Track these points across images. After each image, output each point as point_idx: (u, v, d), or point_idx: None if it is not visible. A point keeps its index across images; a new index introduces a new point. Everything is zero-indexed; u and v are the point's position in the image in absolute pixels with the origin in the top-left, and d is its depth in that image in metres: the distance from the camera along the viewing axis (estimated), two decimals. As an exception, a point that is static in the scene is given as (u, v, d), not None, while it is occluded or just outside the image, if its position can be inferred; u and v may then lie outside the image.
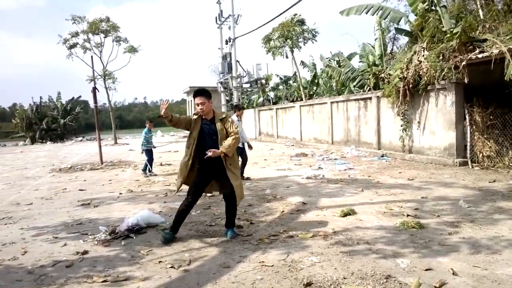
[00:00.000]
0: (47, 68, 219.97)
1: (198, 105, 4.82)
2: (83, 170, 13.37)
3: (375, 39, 16.86)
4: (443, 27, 10.92)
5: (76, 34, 29.74)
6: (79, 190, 9.28)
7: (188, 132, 4.94)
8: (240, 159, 9.89)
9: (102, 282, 3.69)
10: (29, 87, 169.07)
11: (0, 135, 59.07)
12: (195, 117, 4.88)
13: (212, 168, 4.82)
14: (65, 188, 9.61)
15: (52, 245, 4.96)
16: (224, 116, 4.99)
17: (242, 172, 9.70)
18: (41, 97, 49.28)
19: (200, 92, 4.85)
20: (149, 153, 11.38)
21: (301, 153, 15.11)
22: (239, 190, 4.83)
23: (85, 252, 4.61)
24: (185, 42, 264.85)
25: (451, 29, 10.45)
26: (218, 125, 4.84)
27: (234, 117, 10.43)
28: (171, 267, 4.01)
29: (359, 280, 3.46)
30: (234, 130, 4.85)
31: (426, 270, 3.63)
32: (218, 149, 4.69)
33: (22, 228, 5.88)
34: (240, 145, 9.97)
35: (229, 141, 4.73)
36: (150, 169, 11.26)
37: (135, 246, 4.79)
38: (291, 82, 28.75)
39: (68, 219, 6.40)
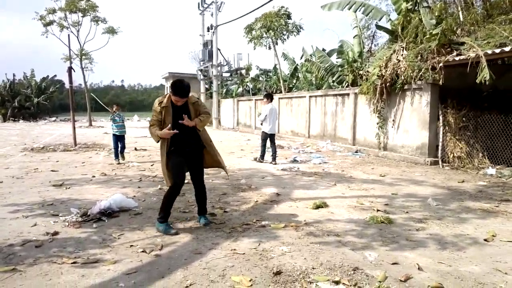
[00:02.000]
0: (20, 45, 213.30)
1: (177, 101, 4.63)
2: (56, 151, 13.10)
3: (354, 36, 17.04)
4: (423, 27, 11.12)
5: (53, 11, 28.90)
6: (51, 171, 9.10)
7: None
8: (270, 146, 10.69)
9: (72, 263, 3.67)
10: (1, 64, 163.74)
11: (-31, 111, 57.10)
12: (163, 105, 4.66)
13: (186, 150, 4.75)
14: (37, 168, 9.41)
15: (22, 224, 4.89)
16: (195, 100, 4.87)
17: (262, 156, 10.83)
18: (14, 74, 47.84)
19: (185, 92, 4.59)
20: (114, 138, 10.74)
21: (277, 145, 15.17)
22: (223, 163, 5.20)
23: (56, 233, 4.55)
24: (166, 27, 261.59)
25: (431, 30, 10.66)
26: (191, 108, 4.74)
27: (267, 105, 10.73)
28: (142, 251, 4.01)
29: (328, 271, 3.54)
30: (205, 110, 4.88)
31: (393, 264, 3.74)
32: (191, 132, 4.70)
33: (-10, 207, 5.75)
34: (272, 131, 10.63)
35: (203, 117, 4.78)
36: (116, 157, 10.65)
37: (106, 229, 4.76)
38: (271, 74, 28.77)
39: (39, 199, 6.29)
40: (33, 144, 15.35)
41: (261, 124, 10.83)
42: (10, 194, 6.65)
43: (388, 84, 11.59)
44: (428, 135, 10.55)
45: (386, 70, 11.51)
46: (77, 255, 3.90)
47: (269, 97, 11.08)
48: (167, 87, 39.74)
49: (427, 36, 10.67)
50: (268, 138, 10.69)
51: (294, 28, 22.03)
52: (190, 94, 4.75)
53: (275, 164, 10.32)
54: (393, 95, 11.80)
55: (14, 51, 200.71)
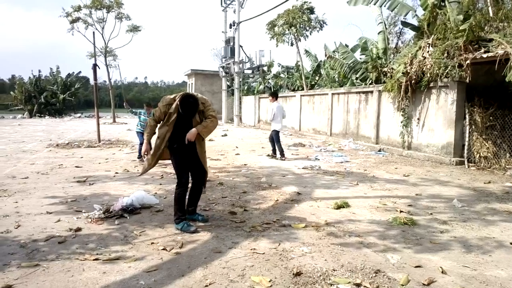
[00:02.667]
0: (46, 42, 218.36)
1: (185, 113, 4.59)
2: (80, 147, 13.34)
3: (378, 33, 16.70)
4: (450, 23, 10.84)
5: (78, 8, 29.43)
6: (76, 167, 9.27)
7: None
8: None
9: (94, 260, 3.71)
10: (28, 60, 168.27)
11: (-2, 107, 58.99)
12: (170, 111, 4.62)
13: (187, 150, 4.72)
14: (62, 164, 9.61)
15: (46, 220, 4.98)
16: (202, 108, 4.73)
17: (282, 152, 10.92)
18: (40, 71, 49.07)
19: (190, 111, 4.57)
20: (139, 136, 10.49)
21: (299, 143, 15.11)
22: (207, 176, 5.05)
23: (78, 229, 4.62)
24: (188, 24, 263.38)
25: (458, 26, 10.38)
26: (197, 116, 4.69)
27: (273, 103, 11.11)
28: (163, 249, 4.03)
29: (349, 273, 3.49)
30: (211, 113, 4.77)
31: (416, 267, 3.65)
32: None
33: (16, 202, 5.89)
34: (278, 128, 11.02)
35: (206, 121, 4.71)
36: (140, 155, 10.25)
37: (128, 226, 4.81)
38: (293, 71, 28.58)
39: (63, 195, 6.41)
40: (58, 140, 15.68)
41: (270, 122, 11.29)
42: (35, 189, 6.79)
43: (413, 81, 11.36)
44: (454, 134, 10.30)
45: (412, 67, 11.27)
46: (99, 251, 3.95)
47: (275, 95, 11.47)
48: (189, 84, 40.03)
49: (454, 33, 10.39)
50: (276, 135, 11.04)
51: (317, 23, 21.77)
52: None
53: (284, 159, 10.74)
54: (418, 93, 11.56)
55: (40, 48, 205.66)
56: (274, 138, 11.03)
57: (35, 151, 12.29)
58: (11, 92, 49.17)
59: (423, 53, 11.14)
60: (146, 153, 4.82)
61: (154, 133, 4.83)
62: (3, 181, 7.49)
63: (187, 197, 4.86)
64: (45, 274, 3.42)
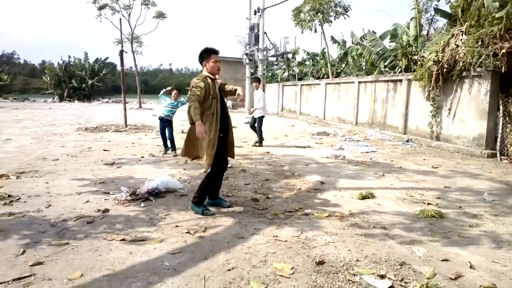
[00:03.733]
0: (75, 28, 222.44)
1: (216, 62, 4.60)
2: (108, 131, 13.62)
3: (411, 19, 16.18)
4: (486, 10, 10.42)
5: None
6: (103, 150, 9.48)
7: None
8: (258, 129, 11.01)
9: (121, 240, 3.80)
10: (57, 46, 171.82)
11: (30, 91, 60.96)
12: (208, 82, 4.50)
13: (221, 135, 4.62)
14: (90, 147, 9.84)
15: (75, 201, 5.12)
16: (222, 82, 4.89)
17: (261, 138, 11.10)
18: (69, 56, 50.23)
19: (214, 50, 4.62)
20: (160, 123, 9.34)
21: (323, 132, 14.97)
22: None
23: (106, 210, 4.74)
24: (213, 11, 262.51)
25: (494, 14, 9.97)
26: (221, 90, 4.82)
27: (259, 90, 10.82)
28: (187, 232, 4.08)
29: (373, 264, 3.44)
30: (232, 85, 5.04)
31: (443, 260, 3.57)
32: (227, 114, 4.75)
33: (47, 182, 6.09)
34: (265, 114, 11.16)
35: (236, 87, 4.94)
36: (166, 145, 9.22)
37: (154, 208, 4.90)
38: (318, 58, 28.18)
39: (92, 177, 6.58)
40: (87, 124, 16.05)
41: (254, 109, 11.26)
42: (65, 171, 6.99)
43: (444, 70, 11.00)
44: (486, 125, 9.97)
45: (443, 56, 10.91)
46: (125, 232, 4.03)
47: (259, 80, 11.57)
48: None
49: (490, 20, 9.98)
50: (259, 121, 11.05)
51: (342, 8, 21.29)
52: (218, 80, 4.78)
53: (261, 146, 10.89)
54: (449, 83, 11.21)
55: (69, 34, 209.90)
56: (259, 124, 11.02)
57: (65, 134, 12.62)
58: (42, 77, 50.56)
59: (455, 41, 10.77)
60: (202, 134, 4.28)
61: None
62: (34, 162, 7.74)
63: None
64: (74, 252, 3.52)
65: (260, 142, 11.03)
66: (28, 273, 3.09)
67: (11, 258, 3.36)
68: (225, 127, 4.69)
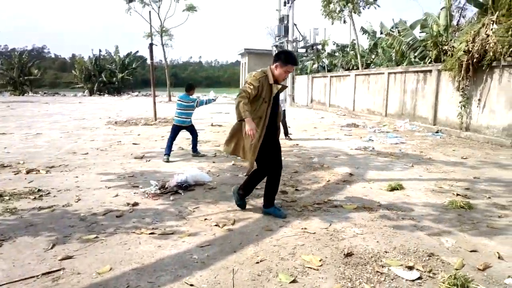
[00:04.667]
0: (105, 22, 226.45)
1: (287, 73, 4.23)
2: (138, 125, 13.87)
3: (441, 8, 15.73)
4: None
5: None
6: (133, 143, 9.67)
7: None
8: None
9: (150, 234, 3.87)
10: (87, 39, 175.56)
11: (60, 85, 62.57)
12: (269, 81, 4.18)
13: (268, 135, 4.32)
14: (120, 141, 10.05)
15: (105, 195, 5.23)
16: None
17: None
18: (100, 50, 51.19)
19: (295, 60, 4.29)
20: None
21: (352, 124, 14.80)
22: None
23: (135, 204, 4.83)
24: (242, 3, 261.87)
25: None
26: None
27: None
28: (215, 225, 4.13)
29: (401, 255, 3.41)
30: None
31: (471, 251, 3.51)
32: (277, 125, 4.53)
33: (77, 176, 6.22)
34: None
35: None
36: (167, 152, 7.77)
37: (182, 202, 4.97)
38: (348, 49, 27.75)
39: (121, 171, 6.71)
40: (117, 118, 16.39)
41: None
42: (94, 165, 7.16)
43: (474, 60, 10.70)
44: (517, 116, 9.65)
45: (473, 46, 10.60)
46: (154, 226, 4.11)
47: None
48: (243, 63, 40.11)
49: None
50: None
51: None
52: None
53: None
54: (479, 73, 10.88)
55: (99, 27, 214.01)
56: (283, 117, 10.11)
57: (94, 128, 12.93)
58: (72, 71, 51.74)
59: (486, 31, 10.43)
60: (252, 131, 3.95)
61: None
62: (64, 156, 7.96)
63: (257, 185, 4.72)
64: (103, 246, 3.59)
65: (285, 134, 10.83)
66: (58, 267, 3.14)
67: (40, 252, 3.42)
68: (272, 135, 4.36)
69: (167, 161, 7.57)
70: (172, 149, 7.97)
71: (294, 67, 4.35)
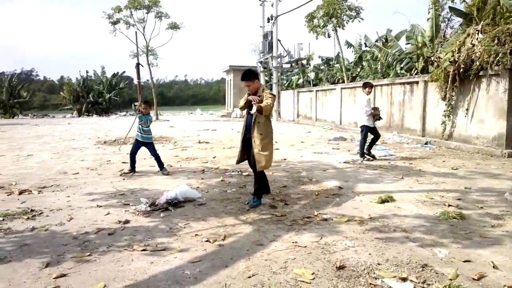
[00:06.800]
0: (92, 44, 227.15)
1: (246, 86, 5.50)
2: (126, 144, 13.77)
3: (428, 19, 15.99)
4: (502, 8, 10.29)
5: (119, 10, 30.26)
6: (122, 162, 9.61)
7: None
8: (371, 136, 9.96)
9: (142, 251, 3.84)
10: (74, 61, 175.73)
11: (49, 107, 62.22)
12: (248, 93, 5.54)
13: (247, 137, 5.61)
14: (109, 160, 9.99)
15: (96, 213, 5.19)
16: (263, 93, 5.45)
17: (369, 149, 9.86)
18: (87, 71, 51.12)
19: (245, 76, 5.45)
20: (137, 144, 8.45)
21: (339, 137, 14.86)
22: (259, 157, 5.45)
23: (127, 222, 4.80)
24: (226, 20, 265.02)
25: (510, 11, 9.84)
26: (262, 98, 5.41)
27: (364, 95, 10.05)
28: (206, 241, 4.11)
29: (394, 267, 3.41)
30: (268, 96, 5.38)
31: (465, 261, 3.52)
32: (253, 123, 5.43)
33: (68, 196, 6.18)
34: (371, 124, 9.97)
35: (265, 102, 5.28)
36: (130, 168, 8.09)
37: (173, 218, 4.94)
38: (332, 63, 28.09)
39: (112, 189, 6.67)
40: (106, 138, 16.28)
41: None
42: (85, 184, 7.11)
43: (461, 70, 10.88)
44: (506, 125, 9.80)
45: (460, 55, 10.80)
46: (146, 243, 4.08)
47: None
48: (228, 80, 40.31)
49: (505, 18, 9.88)
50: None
51: (354, 11, 21.18)
52: (267, 90, 5.56)
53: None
54: (466, 82, 11.07)
55: (86, 49, 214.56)
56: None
57: (84, 148, 12.83)
58: (61, 93, 51.57)
59: (471, 40, 10.65)
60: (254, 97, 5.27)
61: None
62: (55, 176, 7.89)
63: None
64: (96, 264, 3.57)
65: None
66: (53, 286, 3.14)
67: (35, 271, 3.42)
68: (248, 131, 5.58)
69: (132, 174, 8.08)
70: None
71: (243, 80, 5.49)
